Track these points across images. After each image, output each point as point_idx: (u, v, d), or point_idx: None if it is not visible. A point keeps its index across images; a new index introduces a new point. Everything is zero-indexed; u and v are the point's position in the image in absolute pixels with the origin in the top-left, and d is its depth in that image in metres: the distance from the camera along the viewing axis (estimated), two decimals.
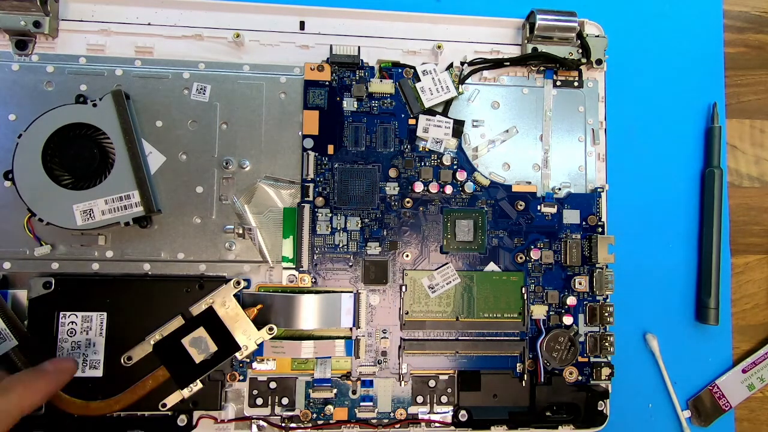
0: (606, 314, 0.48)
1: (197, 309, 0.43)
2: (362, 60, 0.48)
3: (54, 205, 0.42)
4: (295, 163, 0.47)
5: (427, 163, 0.48)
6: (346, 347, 0.45)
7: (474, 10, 0.51)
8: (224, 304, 0.43)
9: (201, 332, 0.43)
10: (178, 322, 0.43)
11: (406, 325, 0.46)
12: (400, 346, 0.46)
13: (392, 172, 0.47)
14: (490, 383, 0.47)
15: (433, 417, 0.47)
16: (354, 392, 0.46)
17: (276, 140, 0.47)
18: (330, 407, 0.45)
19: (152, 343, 0.43)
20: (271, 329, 0.43)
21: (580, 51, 0.49)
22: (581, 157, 0.50)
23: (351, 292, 0.46)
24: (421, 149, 0.48)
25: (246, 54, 0.48)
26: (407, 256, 0.47)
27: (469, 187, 0.48)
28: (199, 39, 0.47)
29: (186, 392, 0.43)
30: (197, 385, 0.43)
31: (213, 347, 0.43)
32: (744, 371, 0.52)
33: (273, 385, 0.45)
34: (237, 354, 0.43)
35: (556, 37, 0.49)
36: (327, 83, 0.47)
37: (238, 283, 0.44)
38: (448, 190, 0.47)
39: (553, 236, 0.48)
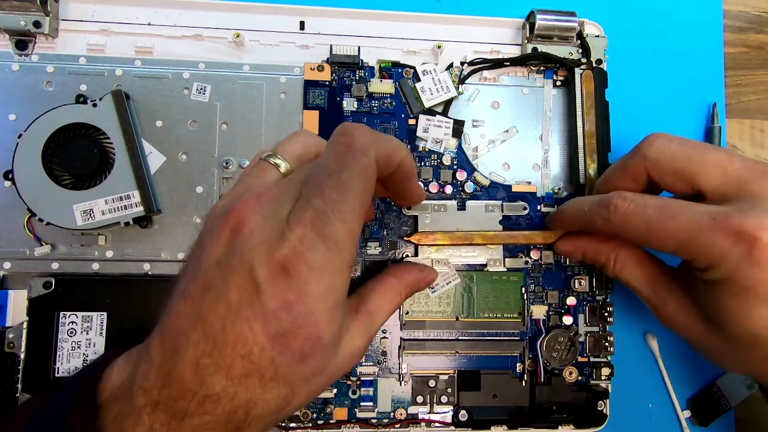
0: (606, 314, 0.48)
1: None
2: (362, 60, 0.48)
3: (54, 205, 0.42)
4: None
5: (427, 163, 0.48)
6: None
7: (474, 10, 0.51)
8: None
9: None
10: None
11: (406, 325, 0.46)
12: (400, 346, 0.46)
13: None
14: (490, 383, 0.47)
15: (433, 417, 0.47)
16: (354, 392, 0.46)
17: (276, 140, 0.46)
18: (330, 407, 0.45)
19: None
20: None
21: (580, 51, 0.49)
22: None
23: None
24: (421, 149, 0.48)
25: (246, 54, 0.48)
26: (407, 256, 0.47)
27: (469, 187, 0.48)
28: (199, 39, 0.47)
29: None
30: None
31: None
32: None
33: None
34: None
35: (556, 37, 0.49)
36: (327, 83, 0.47)
37: None
38: (448, 190, 0.47)
39: None
